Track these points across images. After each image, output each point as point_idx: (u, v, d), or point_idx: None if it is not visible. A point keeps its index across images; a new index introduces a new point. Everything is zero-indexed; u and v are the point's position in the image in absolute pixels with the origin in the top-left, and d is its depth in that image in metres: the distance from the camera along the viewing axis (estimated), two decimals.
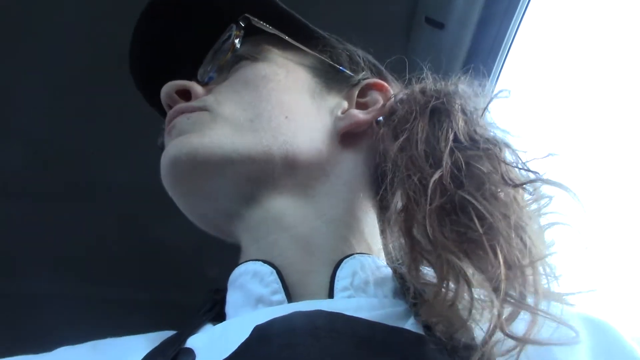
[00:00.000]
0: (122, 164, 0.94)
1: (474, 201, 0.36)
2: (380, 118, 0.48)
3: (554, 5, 0.79)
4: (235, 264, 0.43)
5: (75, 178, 1.00)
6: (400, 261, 0.43)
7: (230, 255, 0.46)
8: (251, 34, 0.49)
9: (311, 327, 0.31)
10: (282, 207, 0.43)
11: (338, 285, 0.39)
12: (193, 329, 0.39)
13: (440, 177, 0.38)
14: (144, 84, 0.56)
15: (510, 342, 0.32)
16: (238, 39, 0.48)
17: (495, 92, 0.47)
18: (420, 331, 0.34)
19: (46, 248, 1.09)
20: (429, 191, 0.37)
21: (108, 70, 0.84)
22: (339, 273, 0.40)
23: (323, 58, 0.51)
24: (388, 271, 0.43)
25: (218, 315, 0.43)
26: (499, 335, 0.32)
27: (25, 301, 1.11)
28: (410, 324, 0.35)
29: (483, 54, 0.79)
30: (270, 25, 0.49)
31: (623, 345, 0.39)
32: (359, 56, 0.53)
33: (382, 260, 0.43)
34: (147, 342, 0.40)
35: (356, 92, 0.50)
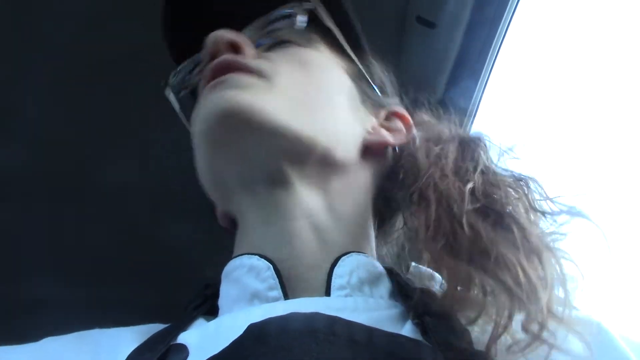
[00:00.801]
0: (124, 165, 0.94)
1: (505, 215, 0.38)
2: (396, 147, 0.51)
3: (545, 4, 0.80)
4: None
5: (77, 180, 0.99)
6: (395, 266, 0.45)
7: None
8: (309, 20, 0.49)
9: (309, 330, 0.31)
10: (301, 195, 0.43)
11: (335, 283, 0.39)
12: (184, 324, 0.39)
13: (473, 188, 0.40)
14: (173, 25, 0.53)
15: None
16: (305, 20, 0.48)
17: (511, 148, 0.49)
18: (418, 335, 0.34)
19: (48, 250, 1.08)
20: (465, 198, 0.39)
21: (112, 71, 0.84)
22: (336, 270, 0.40)
23: (364, 71, 0.52)
24: (383, 271, 0.43)
25: (210, 309, 0.42)
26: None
27: (27, 304, 1.10)
28: (407, 328, 0.35)
29: (474, 53, 0.80)
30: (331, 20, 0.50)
31: (615, 347, 0.39)
32: (391, 82, 0.55)
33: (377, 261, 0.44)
34: (135, 334, 0.39)
35: (384, 115, 0.52)
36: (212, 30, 0.46)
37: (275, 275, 0.39)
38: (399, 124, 0.52)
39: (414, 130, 0.52)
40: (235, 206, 0.46)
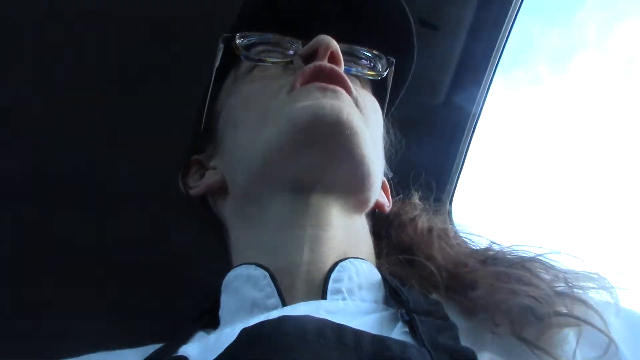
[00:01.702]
0: (130, 169, 0.94)
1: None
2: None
3: (544, 7, 0.80)
4: None
5: (82, 183, 0.99)
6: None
7: None
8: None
9: (300, 332, 0.31)
10: (336, 215, 0.45)
11: (331, 287, 0.40)
12: (185, 338, 0.39)
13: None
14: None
15: None
16: (384, 71, 0.54)
17: None
18: (408, 337, 0.34)
19: (53, 253, 1.09)
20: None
21: (120, 77, 0.84)
22: (333, 275, 0.40)
23: (385, 136, 0.56)
24: (379, 278, 0.44)
25: (209, 322, 0.43)
26: None
27: (32, 306, 1.10)
28: (397, 331, 0.36)
29: (477, 55, 0.80)
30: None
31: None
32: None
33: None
34: (139, 355, 0.40)
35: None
36: (309, 25, 0.50)
37: (272, 283, 0.40)
38: (384, 189, 0.57)
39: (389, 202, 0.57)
40: (262, 201, 0.46)
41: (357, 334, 0.32)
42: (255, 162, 0.45)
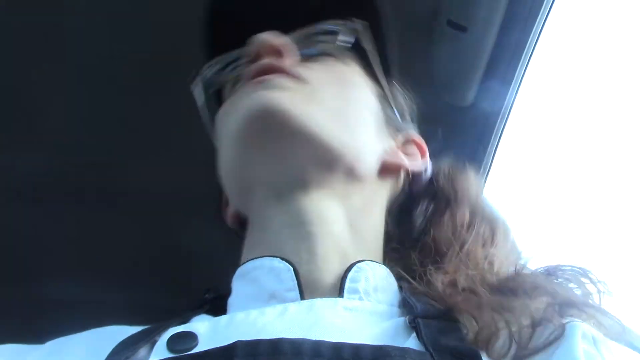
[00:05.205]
0: (146, 170, 0.95)
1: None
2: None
3: (578, 7, 0.78)
4: None
5: (101, 184, 1.01)
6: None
7: None
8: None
9: (296, 351, 0.31)
10: (324, 204, 0.44)
11: (348, 287, 0.40)
12: (182, 320, 0.39)
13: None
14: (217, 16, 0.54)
15: None
16: (349, 40, 0.50)
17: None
18: (417, 343, 0.34)
19: (72, 253, 1.11)
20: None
21: (137, 75, 0.86)
22: (350, 275, 0.41)
23: (389, 95, 0.54)
24: (395, 282, 0.44)
25: (212, 310, 0.43)
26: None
27: (49, 306, 1.12)
28: (412, 338, 0.35)
29: (506, 57, 0.79)
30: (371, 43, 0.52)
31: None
32: (411, 109, 0.57)
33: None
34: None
35: (402, 139, 0.54)
36: (255, 29, 0.47)
37: (294, 277, 0.40)
38: (414, 150, 0.54)
39: (428, 159, 0.54)
40: (254, 208, 0.46)
41: (356, 348, 0.32)
42: (226, 180, 0.47)
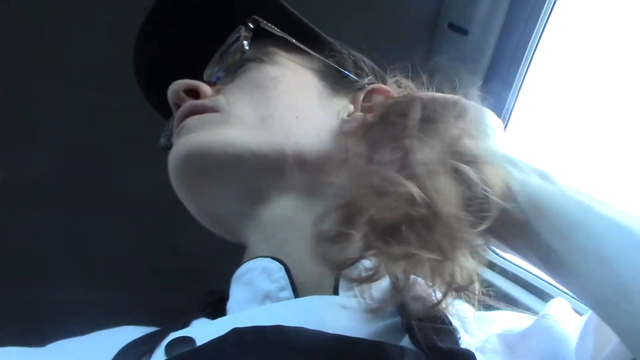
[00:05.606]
0: (146, 173, 0.95)
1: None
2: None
3: (578, 11, 0.78)
4: None
5: (100, 188, 1.01)
6: None
7: None
8: (259, 37, 0.49)
9: (294, 341, 0.31)
10: (292, 207, 0.44)
11: (343, 285, 0.40)
12: (181, 323, 0.39)
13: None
14: (150, 86, 0.56)
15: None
16: (247, 41, 0.49)
17: None
18: (410, 343, 0.34)
19: (73, 256, 1.11)
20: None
21: (135, 80, 0.86)
22: (344, 272, 0.39)
23: (329, 62, 0.51)
24: (388, 279, 0.43)
25: (213, 313, 0.43)
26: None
27: (51, 308, 1.13)
28: (407, 338, 0.35)
29: (507, 59, 0.79)
30: (278, 28, 0.50)
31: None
32: (364, 62, 0.54)
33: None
34: (139, 333, 0.40)
35: (361, 96, 0.51)
36: (176, 78, 0.49)
37: (286, 276, 0.40)
38: (380, 100, 0.50)
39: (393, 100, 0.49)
40: (236, 232, 0.47)
41: (353, 340, 0.32)
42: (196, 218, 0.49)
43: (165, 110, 0.52)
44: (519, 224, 0.35)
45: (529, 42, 0.76)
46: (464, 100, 0.44)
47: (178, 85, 0.48)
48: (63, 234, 1.08)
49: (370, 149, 0.43)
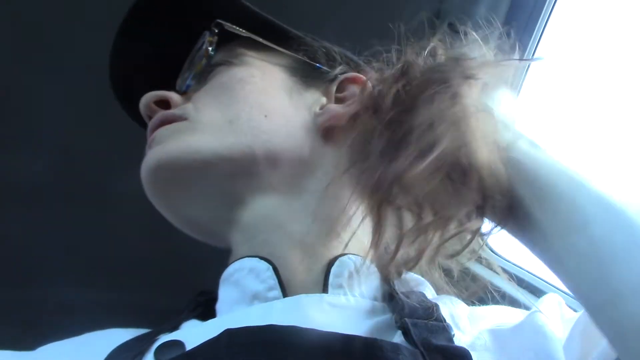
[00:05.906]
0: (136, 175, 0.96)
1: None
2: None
3: (578, 12, 0.78)
4: None
5: (98, 188, 1.01)
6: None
7: None
8: (226, 40, 0.49)
9: (286, 339, 0.31)
10: (270, 206, 0.44)
11: (332, 282, 0.39)
12: (171, 325, 0.39)
13: None
14: (127, 101, 0.56)
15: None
16: (212, 46, 0.49)
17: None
18: (404, 341, 0.34)
19: (68, 256, 1.11)
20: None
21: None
22: (333, 270, 0.40)
23: (298, 57, 0.51)
24: (378, 275, 0.43)
25: (203, 314, 0.43)
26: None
27: (51, 308, 1.12)
28: (398, 335, 0.35)
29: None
30: (243, 29, 0.50)
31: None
32: (335, 52, 0.54)
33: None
34: (128, 335, 0.40)
35: (334, 88, 0.50)
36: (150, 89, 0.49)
37: (274, 276, 0.39)
38: (354, 89, 0.49)
39: (370, 85, 0.47)
40: (218, 236, 0.47)
41: (347, 338, 0.32)
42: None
43: (144, 123, 0.52)
44: (504, 189, 0.35)
45: (528, 43, 0.77)
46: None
47: (148, 97, 0.49)
48: (59, 234, 1.08)
49: (362, 143, 0.42)
